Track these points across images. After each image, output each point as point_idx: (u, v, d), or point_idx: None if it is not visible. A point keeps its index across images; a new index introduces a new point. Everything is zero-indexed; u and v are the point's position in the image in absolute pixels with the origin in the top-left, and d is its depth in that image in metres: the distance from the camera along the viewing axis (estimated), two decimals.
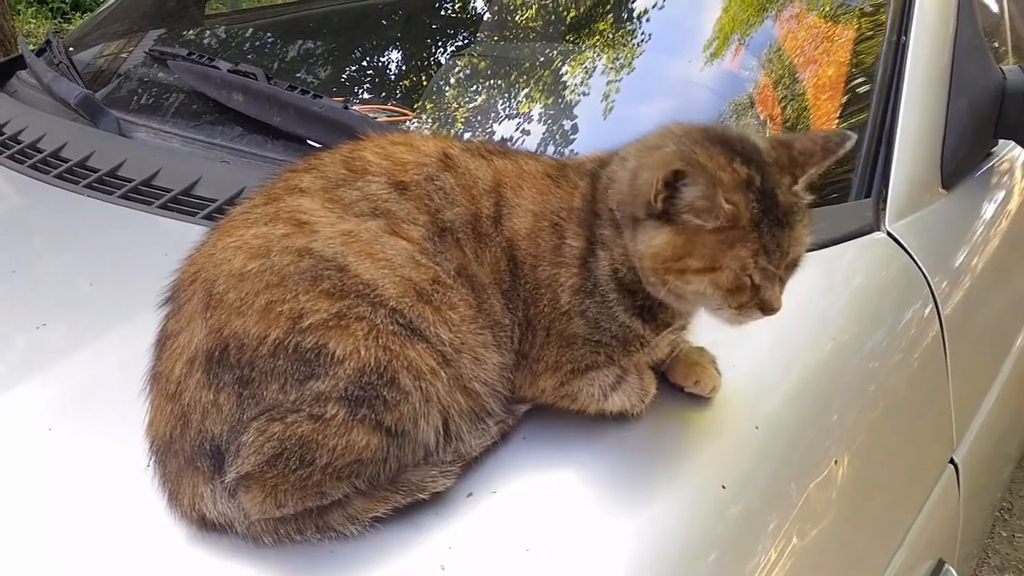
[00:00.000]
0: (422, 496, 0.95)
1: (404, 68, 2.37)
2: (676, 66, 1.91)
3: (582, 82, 1.89)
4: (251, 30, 2.79)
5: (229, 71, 1.80)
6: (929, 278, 1.47)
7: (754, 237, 0.94)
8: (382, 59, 2.44)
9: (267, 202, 1.02)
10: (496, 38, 2.26)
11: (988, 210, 1.88)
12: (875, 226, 1.47)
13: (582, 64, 1.95)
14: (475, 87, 2.00)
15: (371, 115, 1.81)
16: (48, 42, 2.30)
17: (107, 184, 1.64)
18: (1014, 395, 1.98)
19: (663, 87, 1.88)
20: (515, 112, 1.88)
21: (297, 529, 0.93)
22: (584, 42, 2.06)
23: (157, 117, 1.90)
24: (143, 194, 1.60)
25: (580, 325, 1.03)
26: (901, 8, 1.75)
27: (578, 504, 0.99)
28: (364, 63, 2.43)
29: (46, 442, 1.08)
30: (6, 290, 1.41)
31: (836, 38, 1.84)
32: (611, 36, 2.02)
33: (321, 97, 1.68)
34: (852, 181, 1.55)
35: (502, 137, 1.78)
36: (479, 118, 1.88)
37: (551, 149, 1.70)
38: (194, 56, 1.94)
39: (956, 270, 1.64)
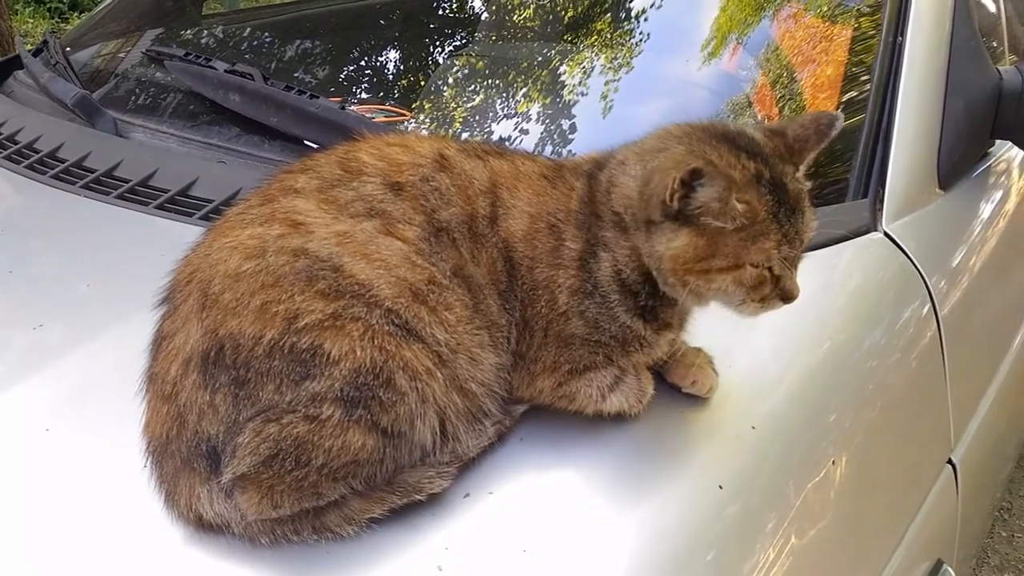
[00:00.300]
0: (419, 497, 0.94)
1: (402, 68, 2.37)
2: (673, 66, 1.91)
3: (580, 82, 1.89)
4: (248, 30, 2.79)
5: (226, 71, 1.79)
6: (926, 278, 1.47)
7: (775, 229, 0.96)
8: (379, 59, 2.44)
9: (263, 203, 1.02)
10: (494, 38, 2.26)
11: (985, 210, 1.88)
12: (872, 226, 1.47)
13: (580, 64, 1.95)
14: (473, 87, 2.00)
15: (368, 115, 1.81)
16: (45, 42, 2.29)
17: (104, 184, 1.63)
18: (1012, 395, 1.98)
19: (660, 87, 1.88)
20: (513, 112, 1.88)
21: (294, 530, 0.92)
22: (582, 42, 2.06)
23: (154, 117, 1.89)
24: (140, 194, 1.59)
25: (578, 326, 1.03)
26: (898, 8, 1.75)
27: (575, 504, 0.98)
28: (361, 63, 2.43)
29: (43, 442, 1.07)
30: (3, 291, 1.40)
31: (833, 38, 1.84)
32: (609, 36, 2.02)
33: (318, 97, 1.67)
34: (849, 181, 1.55)
35: (500, 137, 1.78)
36: (477, 118, 1.88)
37: (549, 149, 1.69)
38: (191, 56, 1.94)
39: (953, 270, 1.64)
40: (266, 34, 2.70)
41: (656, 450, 1.06)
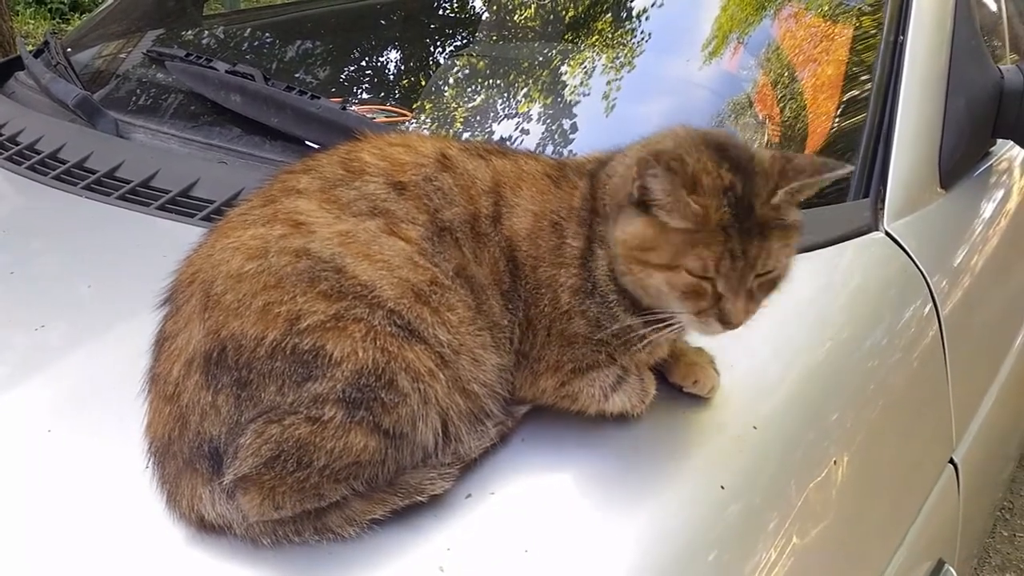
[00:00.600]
0: (420, 498, 0.94)
1: (402, 68, 2.37)
2: (674, 66, 1.91)
3: (581, 82, 1.89)
4: (249, 31, 2.79)
5: (227, 72, 1.79)
6: (928, 277, 1.47)
7: (719, 242, 0.93)
8: (380, 59, 2.44)
9: (265, 203, 1.02)
10: (495, 38, 2.26)
11: (987, 209, 1.88)
12: (873, 226, 1.47)
13: (581, 64, 1.95)
14: (474, 87, 2.00)
15: (369, 115, 1.81)
16: (46, 43, 2.29)
17: (105, 185, 1.63)
18: (1014, 394, 1.98)
19: (661, 87, 1.88)
20: (514, 112, 1.88)
21: (295, 531, 0.92)
22: (583, 42, 2.06)
23: (155, 118, 1.89)
24: (141, 195, 1.59)
25: (581, 325, 1.03)
26: (899, 7, 1.75)
27: (577, 505, 0.99)
28: (362, 63, 2.43)
29: (45, 443, 1.07)
30: (5, 291, 1.40)
31: (834, 37, 1.84)
32: (610, 36, 2.02)
33: (319, 98, 1.68)
34: (850, 181, 1.55)
35: (501, 137, 1.78)
36: (478, 118, 1.88)
37: (550, 149, 1.69)
38: (192, 57, 1.94)
39: (955, 269, 1.64)
40: (267, 35, 2.70)
41: (658, 450, 1.06)
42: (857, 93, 1.69)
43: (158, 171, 1.64)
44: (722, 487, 1.00)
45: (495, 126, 1.86)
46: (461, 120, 1.88)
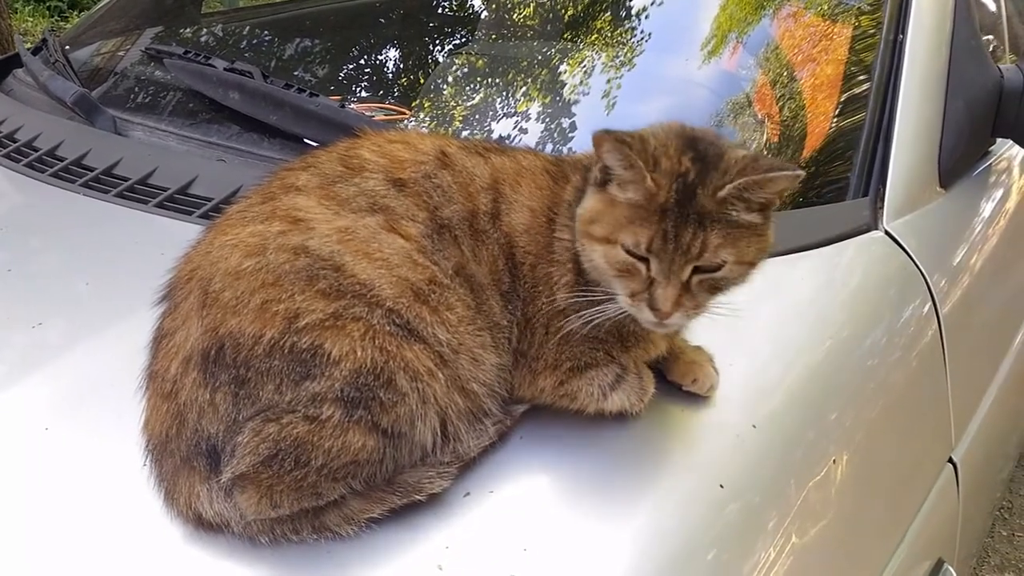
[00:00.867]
0: (419, 497, 0.94)
1: (401, 66, 2.37)
2: (673, 65, 1.91)
3: (580, 81, 1.89)
4: (248, 28, 2.79)
5: (225, 69, 1.79)
6: (927, 277, 1.47)
7: (656, 222, 0.94)
8: (379, 57, 2.43)
9: (263, 200, 1.02)
10: (494, 36, 2.26)
11: (986, 209, 1.88)
12: (873, 225, 1.47)
13: (580, 63, 1.95)
14: (473, 85, 2.00)
15: (368, 113, 1.80)
16: (44, 40, 2.29)
17: (103, 183, 1.63)
18: (1013, 394, 1.98)
19: (661, 86, 1.87)
20: (513, 110, 1.88)
21: (293, 529, 0.92)
22: (581, 41, 2.05)
23: (153, 116, 1.89)
24: (139, 193, 1.59)
25: (577, 322, 1.02)
26: (899, 7, 1.75)
27: (576, 503, 0.98)
28: (361, 61, 2.42)
29: (43, 441, 1.07)
30: (3, 289, 1.40)
31: (833, 37, 1.84)
32: (608, 35, 2.02)
33: (318, 95, 1.67)
34: (850, 180, 1.55)
35: (500, 135, 1.78)
36: (477, 116, 1.88)
37: (549, 147, 1.69)
38: (190, 54, 1.93)
39: (954, 269, 1.64)
40: (265, 32, 2.70)
41: (657, 449, 1.06)
42: (857, 92, 1.69)
43: (156, 168, 1.64)
44: (721, 486, 1.00)
45: (494, 124, 1.85)
46: (460, 118, 1.88)
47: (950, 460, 1.53)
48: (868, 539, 1.27)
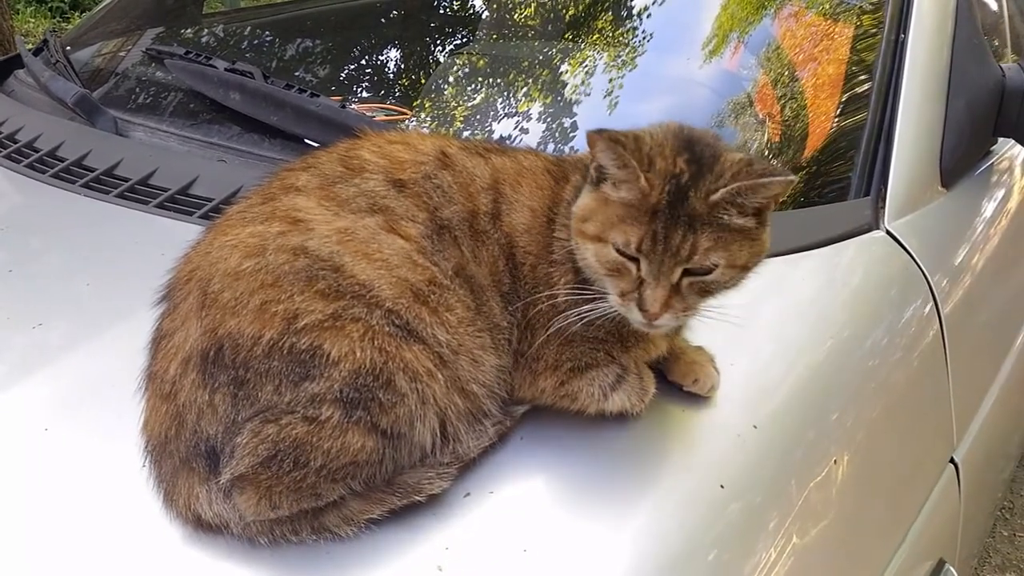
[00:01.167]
0: (418, 498, 0.94)
1: (402, 67, 2.37)
2: (674, 65, 1.91)
3: (581, 81, 1.89)
4: (249, 29, 2.79)
5: (226, 70, 1.79)
6: (928, 276, 1.46)
7: (646, 222, 0.94)
8: (380, 58, 2.43)
9: (263, 201, 1.02)
10: (495, 36, 2.26)
11: (988, 208, 1.88)
12: (874, 224, 1.46)
13: (581, 63, 1.94)
14: (473, 86, 2.00)
15: (369, 114, 1.80)
16: (45, 41, 2.29)
17: (104, 183, 1.63)
18: (1014, 394, 1.98)
19: (662, 86, 1.87)
20: (514, 111, 1.88)
21: (293, 530, 0.92)
22: (583, 41, 2.05)
23: (154, 116, 1.89)
24: (140, 193, 1.59)
25: (578, 322, 1.02)
26: (900, 6, 1.75)
27: (576, 504, 0.98)
28: (362, 62, 2.42)
29: (42, 442, 1.07)
30: (3, 289, 1.40)
31: (835, 36, 1.83)
32: (610, 35, 2.01)
33: (318, 96, 1.67)
34: (851, 180, 1.54)
35: (500, 136, 1.78)
36: (478, 117, 1.88)
37: (550, 147, 1.69)
38: (191, 55, 1.93)
39: (956, 268, 1.64)
40: (266, 33, 2.70)
41: (657, 449, 1.06)
42: (858, 92, 1.69)
43: (157, 169, 1.64)
44: (722, 486, 1.00)
45: (495, 124, 1.85)
46: (461, 118, 1.87)
47: (951, 460, 1.53)
48: (869, 539, 1.27)
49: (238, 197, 1.19)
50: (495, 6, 2.40)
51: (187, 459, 0.93)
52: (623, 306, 0.98)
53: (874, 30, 1.76)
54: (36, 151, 1.77)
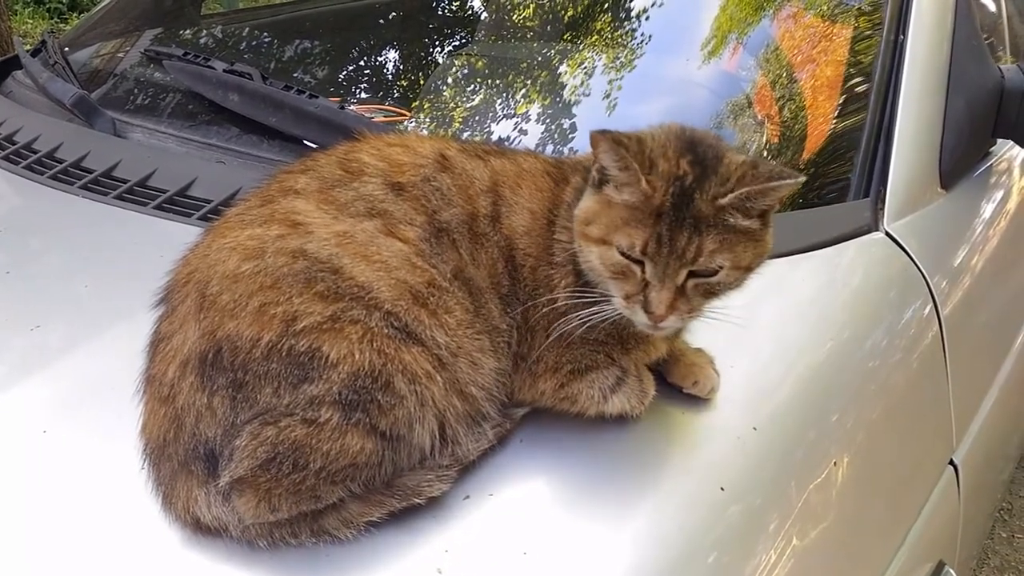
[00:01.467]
0: (418, 501, 0.94)
1: (401, 68, 2.37)
2: (673, 66, 1.91)
3: (580, 82, 1.89)
4: (247, 30, 2.78)
5: (225, 71, 1.79)
6: (928, 278, 1.46)
7: (651, 224, 0.94)
8: (379, 59, 2.43)
9: (262, 203, 1.01)
10: (493, 38, 2.25)
11: (987, 209, 1.88)
12: (873, 226, 1.46)
13: (579, 64, 1.94)
14: (472, 87, 2.00)
15: (368, 115, 1.80)
16: (43, 42, 2.29)
17: (102, 185, 1.63)
18: (1014, 395, 1.98)
19: (661, 87, 1.87)
20: (513, 112, 1.87)
21: (292, 533, 0.92)
22: (582, 42, 2.05)
23: (153, 117, 1.89)
24: (138, 195, 1.59)
25: (579, 324, 1.02)
26: (899, 7, 1.74)
27: (576, 506, 0.98)
28: (361, 63, 2.42)
29: (41, 444, 1.07)
30: (2, 291, 1.40)
31: (834, 37, 1.83)
32: (608, 36, 2.01)
33: (317, 97, 1.67)
34: (851, 181, 1.54)
35: (499, 137, 1.77)
36: (476, 118, 1.88)
37: (549, 149, 1.69)
38: (190, 56, 1.93)
39: (955, 270, 1.64)
40: (265, 34, 2.70)
41: (657, 451, 1.06)
42: (857, 93, 1.69)
43: (155, 170, 1.63)
44: (722, 488, 1.00)
45: (494, 126, 1.85)
46: (460, 120, 1.87)
47: (951, 462, 1.53)
48: (869, 541, 1.27)
49: (237, 199, 1.18)
50: (494, 7, 2.40)
51: (186, 462, 0.93)
52: (628, 309, 0.97)
53: (873, 31, 1.76)
54: (34, 152, 1.76)
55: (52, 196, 1.63)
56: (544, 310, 1.02)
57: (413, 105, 1.99)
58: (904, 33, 1.70)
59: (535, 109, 1.84)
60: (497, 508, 0.97)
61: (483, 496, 0.97)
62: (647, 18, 2.01)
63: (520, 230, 1.04)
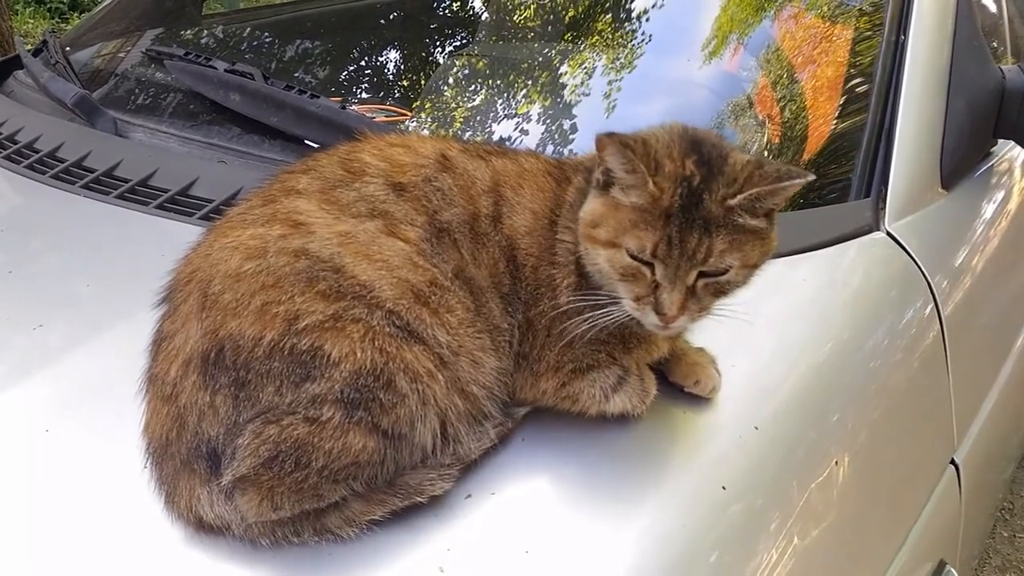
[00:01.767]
0: (420, 499, 0.94)
1: (402, 68, 2.37)
2: (674, 66, 1.91)
3: (581, 82, 1.89)
4: (248, 30, 2.79)
5: (226, 71, 1.79)
6: (929, 278, 1.46)
7: (660, 226, 0.94)
8: (380, 59, 2.43)
9: (264, 203, 1.02)
10: (494, 38, 2.26)
11: (988, 210, 1.88)
12: (875, 226, 1.46)
13: (580, 64, 1.94)
14: (473, 87, 2.00)
15: (369, 115, 1.80)
16: (44, 42, 2.29)
17: (104, 184, 1.63)
18: (1015, 395, 1.98)
19: (661, 87, 1.87)
20: (513, 112, 1.87)
21: (294, 531, 0.92)
22: (583, 42, 2.05)
23: (154, 117, 1.89)
24: (140, 194, 1.59)
25: (580, 324, 1.02)
26: (900, 7, 1.75)
27: (577, 505, 0.98)
28: (362, 63, 2.42)
29: (43, 443, 1.07)
30: (3, 291, 1.40)
31: (835, 38, 1.83)
32: (609, 36, 2.01)
33: (319, 97, 1.67)
34: (851, 181, 1.54)
35: (500, 137, 1.78)
36: (478, 118, 1.88)
37: (550, 149, 1.69)
38: (191, 56, 1.93)
39: (956, 270, 1.64)
40: (266, 34, 2.70)
41: (659, 451, 1.06)
42: (858, 93, 1.69)
43: (157, 170, 1.64)
44: (723, 488, 1.00)
45: (495, 126, 1.85)
46: (461, 120, 1.87)
47: (952, 461, 1.53)
48: (870, 540, 1.27)
49: (238, 199, 1.18)
50: (495, 8, 2.40)
51: (188, 461, 0.93)
52: (638, 310, 0.97)
53: (874, 32, 1.76)
54: (36, 152, 1.77)
55: (53, 196, 1.63)
56: (546, 310, 1.02)
57: (414, 105, 1.99)
58: (905, 34, 1.70)
59: (536, 109, 1.85)
60: (499, 507, 0.97)
61: (485, 495, 0.97)
62: (648, 18, 2.01)
63: (522, 230, 1.04)
